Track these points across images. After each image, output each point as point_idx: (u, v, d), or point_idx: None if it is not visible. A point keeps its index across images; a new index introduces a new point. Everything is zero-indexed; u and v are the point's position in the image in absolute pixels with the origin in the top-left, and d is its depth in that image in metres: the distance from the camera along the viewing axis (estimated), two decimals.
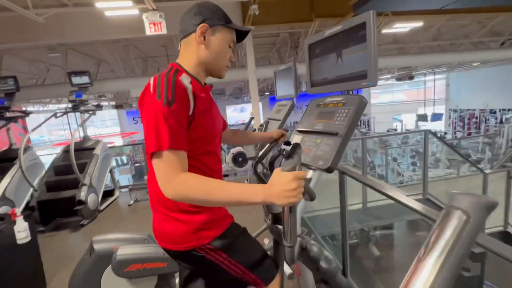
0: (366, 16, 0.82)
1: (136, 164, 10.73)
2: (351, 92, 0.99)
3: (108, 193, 4.29)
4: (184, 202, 0.78)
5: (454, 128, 14.38)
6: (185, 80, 0.81)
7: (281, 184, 0.67)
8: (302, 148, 1.00)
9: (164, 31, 3.50)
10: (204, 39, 0.87)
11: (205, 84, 0.94)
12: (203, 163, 0.89)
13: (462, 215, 0.41)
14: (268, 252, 2.10)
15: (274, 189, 0.68)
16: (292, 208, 0.70)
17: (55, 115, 3.82)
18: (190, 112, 0.80)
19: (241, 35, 0.96)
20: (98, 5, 3.28)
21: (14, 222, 1.90)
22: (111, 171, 4.38)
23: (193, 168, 0.83)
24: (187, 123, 0.80)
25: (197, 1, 0.90)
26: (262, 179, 2.11)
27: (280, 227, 1.16)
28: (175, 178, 0.73)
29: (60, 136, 15.49)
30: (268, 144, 1.45)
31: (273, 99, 15.63)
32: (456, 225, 0.41)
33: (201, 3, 0.89)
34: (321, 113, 1.02)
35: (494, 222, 3.59)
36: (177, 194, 0.73)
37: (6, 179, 3.32)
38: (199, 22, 0.86)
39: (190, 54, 0.89)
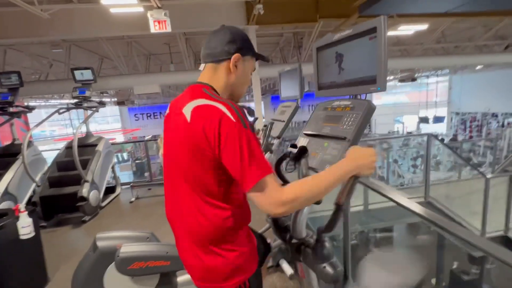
0: (377, 21, 0.82)
1: (137, 161, 10.76)
2: (358, 96, 1.00)
3: (109, 190, 4.31)
4: (298, 208, 0.84)
5: (456, 131, 14.36)
6: None
7: (367, 157, 0.80)
8: (308, 151, 1.01)
9: (168, 29, 3.50)
10: (236, 68, 0.89)
11: None
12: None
13: None
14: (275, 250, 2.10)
15: (360, 160, 0.80)
16: (358, 178, 0.81)
17: (58, 111, 3.83)
18: None
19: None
20: (103, 2, 3.27)
21: (17, 218, 1.91)
22: (113, 168, 4.39)
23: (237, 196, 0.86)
24: None
25: (226, 26, 0.90)
26: None
27: (284, 229, 1.17)
28: (284, 195, 0.73)
29: (52, 132, 15.54)
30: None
31: (274, 99, 15.59)
32: None
33: (233, 30, 0.89)
34: (329, 117, 1.02)
35: (495, 227, 3.59)
36: (292, 206, 0.74)
37: (9, 174, 3.33)
38: (234, 52, 0.87)
39: (219, 79, 0.90)
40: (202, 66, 0.93)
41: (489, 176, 3.76)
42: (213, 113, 0.76)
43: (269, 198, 0.72)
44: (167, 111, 0.95)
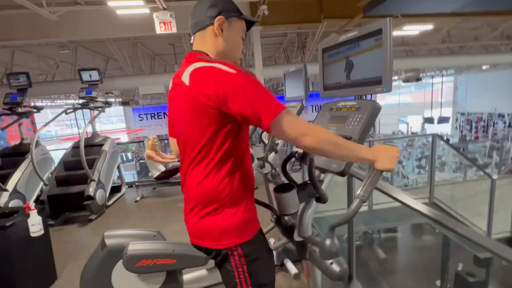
0: (383, 23, 0.83)
1: (141, 161, 10.85)
2: (364, 97, 1.01)
3: (115, 189, 4.36)
4: (318, 150, 0.77)
5: (461, 131, 14.21)
6: None
7: (389, 152, 0.79)
8: None
9: (174, 30, 3.53)
10: (222, 31, 0.88)
11: None
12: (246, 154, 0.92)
13: None
14: (274, 252, 2.11)
15: (382, 153, 0.79)
16: (382, 173, 0.81)
17: (65, 111, 3.88)
18: None
19: (247, 26, 0.97)
20: (110, 4, 3.32)
21: (27, 216, 1.96)
22: (118, 168, 4.44)
23: (242, 161, 0.88)
24: None
25: None
26: (268, 180, 2.11)
27: (291, 227, 1.18)
28: (309, 128, 0.75)
29: (56, 132, 15.75)
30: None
31: (278, 99, 15.54)
32: None
33: None
34: (334, 117, 1.04)
35: (501, 228, 3.56)
36: (317, 141, 0.74)
37: (18, 173, 3.39)
38: (216, 15, 0.86)
39: (208, 46, 0.89)
40: (192, 38, 0.93)
41: (495, 177, 3.73)
42: (213, 71, 0.77)
43: (295, 128, 0.74)
44: (169, 87, 0.97)
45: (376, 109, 0.90)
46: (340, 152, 0.77)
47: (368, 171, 0.83)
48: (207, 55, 0.88)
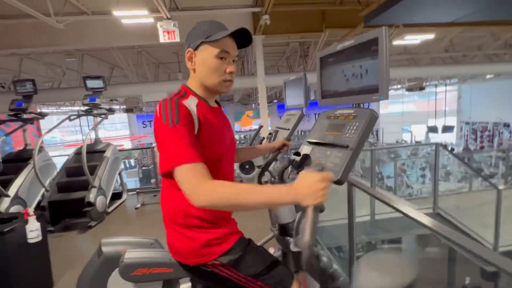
0: (378, 32, 0.83)
1: (144, 168, 10.89)
2: (361, 105, 1.00)
3: (116, 196, 4.35)
4: (214, 209, 0.77)
5: (466, 141, 14.07)
6: (190, 102, 0.88)
7: (310, 185, 0.70)
8: (312, 159, 1.01)
9: (177, 39, 3.60)
10: (195, 62, 0.91)
11: (216, 102, 0.99)
12: None
13: None
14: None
15: (302, 189, 0.70)
16: (316, 208, 0.71)
17: (69, 118, 3.93)
18: (195, 133, 0.84)
19: (245, 40, 0.95)
20: (116, 13, 3.40)
21: (26, 222, 1.95)
22: (119, 174, 4.45)
23: None
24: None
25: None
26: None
27: (288, 238, 1.16)
28: (202, 186, 0.74)
29: (61, 138, 15.92)
30: (271, 154, 1.48)
31: (280, 107, 15.65)
32: None
33: (190, 31, 0.94)
34: (332, 125, 1.03)
35: (508, 240, 3.46)
36: (207, 201, 0.73)
37: (20, 178, 3.41)
38: (186, 49, 0.92)
39: (191, 78, 0.96)
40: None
41: (501, 187, 3.65)
42: (156, 111, 0.86)
43: (188, 185, 0.75)
44: None
45: (373, 117, 0.89)
46: (251, 203, 0.72)
47: (303, 212, 0.74)
48: (187, 88, 0.94)
